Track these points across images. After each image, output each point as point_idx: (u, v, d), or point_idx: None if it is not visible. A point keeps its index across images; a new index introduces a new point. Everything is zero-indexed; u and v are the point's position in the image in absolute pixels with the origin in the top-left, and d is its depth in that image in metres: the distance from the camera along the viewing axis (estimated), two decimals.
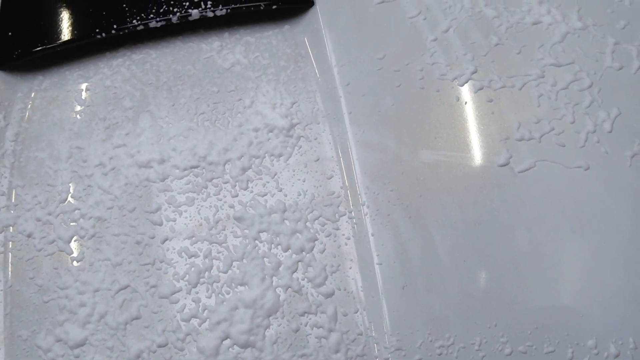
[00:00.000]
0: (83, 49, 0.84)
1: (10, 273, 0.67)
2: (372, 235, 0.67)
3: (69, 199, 0.71)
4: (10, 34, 0.83)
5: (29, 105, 0.80)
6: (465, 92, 0.77)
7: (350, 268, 0.66)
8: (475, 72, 0.77)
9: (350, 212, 0.69)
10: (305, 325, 0.63)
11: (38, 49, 0.81)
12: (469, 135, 0.74)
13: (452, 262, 0.66)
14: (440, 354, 0.61)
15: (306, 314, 0.64)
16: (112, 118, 0.77)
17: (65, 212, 0.70)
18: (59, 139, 0.76)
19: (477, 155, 0.72)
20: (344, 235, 0.68)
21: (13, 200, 0.71)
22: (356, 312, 0.64)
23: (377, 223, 0.68)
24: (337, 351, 0.62)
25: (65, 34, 0.81)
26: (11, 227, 0.69)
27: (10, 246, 0.68)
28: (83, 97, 0.80)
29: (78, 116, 0.78)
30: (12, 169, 0.73)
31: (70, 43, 0.81)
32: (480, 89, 0.76)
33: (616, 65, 0.79)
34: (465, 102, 0.75)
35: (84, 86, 0.82)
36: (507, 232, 0.67)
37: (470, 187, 0.70)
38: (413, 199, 0.69)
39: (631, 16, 0.83)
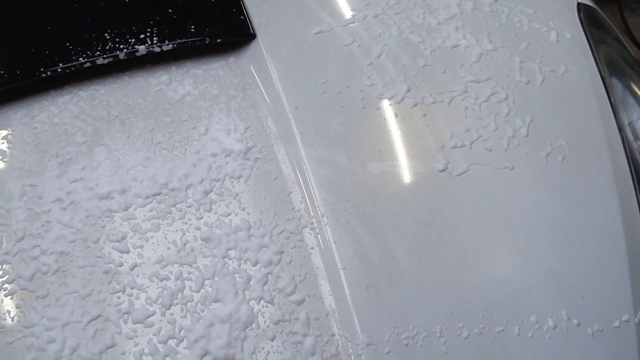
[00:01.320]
0: (26, 88, 0.84)
1: None
2: (334, 243, 0.72)
3: (26, 237, 0.70)
4: None
5: None
6: (402, 109, 0.85)
7: (317, 275, 0.70)
8: (409, 90, 0.86)
9: (312, 224, 0.74)
10: (281, 333, 0.66)
11: None
12: (409, 146, 0.82)
13: (407, 260, 0.72)
14: (407, 344, 0.67)
15: (280, 322, 0.67)
16: (65, 154, 0.77)
17: (24, 250, 0.69)
18: (9, 179, 0.75)
19: (419, 163, 0.80)
20: (307, 245, 0.72)
21: None
22: (327, 315, 0.68)
23: (337, 231, 0.73)
24: (313, 354, 0.66)
25: (7, 74, 0.81)
26: None
27: None
28: (30, 135, 0.80)
29: (28, 155, 0.78)
30: None
31: (13, 83, 0.81)
32: (415, 105, 0.85)
33: (524, 79, 0.91)
34: (403, 118, 0.84)
35: (30, 125, 0.81)
36: (451, 230, 0.75)
37: (415, 192, 0.78)
38: (367, 207, 0.75)
39: (530, 38, 0.97)
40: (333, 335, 0.68)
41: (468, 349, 0.68)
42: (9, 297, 0.66)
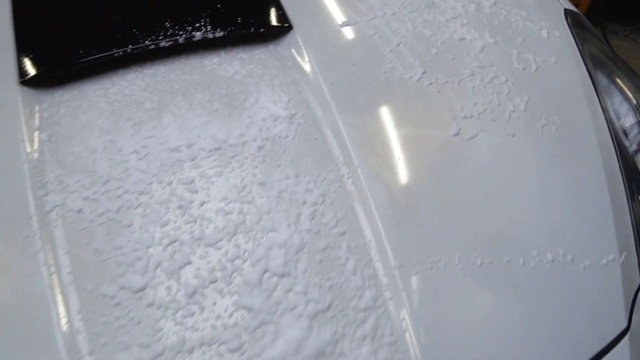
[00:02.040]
0: (97, 68, 0.99)
1: (66, 242, 0.77)
2: (368, 188, 0.86)
3: (110, 180, 0.83)
4: (31, 55, 0.96)
5: (56, 113, 0.92)
6: (419, 87, 1.01)
7: (355, 213, 0.84)
8: (424, 72, 1.02)
9: (348, 174, 0.88)
10: (327, 258, 0.80)
11: (63, 65, 0.95)
12: (427, 115, 0.97)
13: (429, 203, 0.86)
14: (431, 268, 0.80)
15: (326, 249, 0.80)
16: (137, 117, 0.92)
17: (109, 190, 0.82)
18: (91, 136, 0.89)
19: (435, 128, 0.95)
20: (346, 190, 0.86)
21: (58, 186, 0.82)
22: (364, 245, 0.82)
23: (370, 180, 0.87)
24: (354, 274, 0.79)
25: (86, 52, 0.96)
26: (60, 206, 0.80)
27: (62, 221, 0.79)
28: (106, 103, 0.94)
29: (105, 118, 0.92)
30: (51, 163, 0.85)
31: (92, 60, 0.96)
32: (430, 84, 1.01)
33: (521, 67, 1.07)
34: (421, 93, 0.99)
35: (104, 96, 0.95)
36: (464, 180, 0.90)
37: (433, 151, 0.92)
38: (393, 161, 0.90)
39: (525, 35, 1.14)
40: (370, 260, 0.81)
41: (481, 274, 0.82)
42: (100, 226, 0.79)
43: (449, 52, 1.08)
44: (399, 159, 0.90)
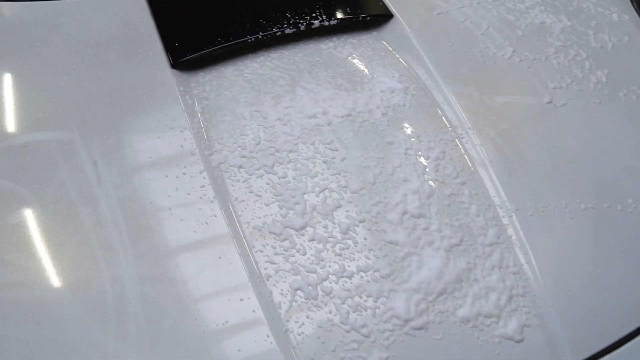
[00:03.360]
0: (231, 53, 1.15)
1: (230, 192, 0.92)
2: (481, 145, 1.00)
3: (262, 141, 0.98)
4: (175, 44, 1.12)
5: (203, 90, 1.08)
6: (511, 63, 1.14)
7: (472, 166, 0.98)
8: (514, 51, 1.16)
9: (462, 134, 1.02)
10: (454, 202, 0.93)
11: (206, 50, 1.11)
12: (521, 86, 1.11)
13: (535, 157, 1.00)
14: (543, 211, 0.93)
15: (451, 195, 0.94)
16: (275, 91, 1.07)
17: (262, 149, 0.97)
18: (238, 107, 1.04)
19: (530, 97, 1.09)
20: (461, 148, 1.00)
21: (219, 146, 0.97)
22: (483, 192, 0.95)
23: (481, 138, 1.01)
24: (477, 215, 0.92)
25: (223, 38, 1.12)
26: (224, 163, 0.95)
27: (226, 175, 0.94)
28: (244, 81, 1.09)
29: (247, 93, 1.07)
30: (207, 131, 1.00)
31: (228, 45, 1.11)
32: (520, 60, 1.14)
33: (598, 45, 1.21)
34: (513, 69, 1.13)
35: (241, 75, 1.11)
36: (563, 139, 1.03)
37: (531, 115, 1.06)
38: (499, 124, 1.04)
39: (597, 18, 1.27)
40: (490, 204, 0.94)
41: (586, 218, 0.95)
42: (259, 178, 0.94)
43: (533, 34, 1.22)
44: (503, 121, 1.03)
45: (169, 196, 0.89)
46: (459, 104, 1.05)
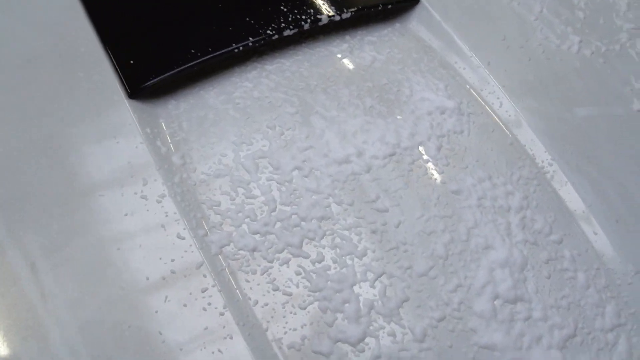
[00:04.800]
0: (210, 70, 0.82)
1: (246, 289, 0.63)
2: (572, 183, 0.74)
3: (279, 206, 0.69)
4: (132, 62, 0.78)
5: (179, 128, 0.76)
6: (582, 58, 0.88)
7: (565, 214, 0.72)
8: (581, 41, 0.89)
9: (543, 169, 0.75)
10: (554, 271, 0.68)
11: (177, 69, 0.78)
12: (601, 89, 0.85)
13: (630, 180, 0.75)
14: None
15: (549, 262, 0.68)
16: (283, 124, 0.76)
17: (282, 219, 0.68)
18: (234, 154, 0.73)
19: (618, 105, 0.83)
20: (547, 189, 0.74)
21: (216, 221, 0.67)
22: (587, 251, 0.70)
23: (570, 173, 0.75)
24: (588, 287, 0.68)
25: (201, 49, 0.79)
26: (228, 246, 0.65)
27: (236, 265, 0.64)
28: (237, 111, 0.78)
29: (242, 128, 0.76)
30: (195, 195, 0.69)
31: (208, 59, 0.79)
32: (592, 53, 0.88)
33: None
34: (586, 66, 0.87)
35: (231, 101, 0.79)
36: None
37: (623, 130, 0.81)
38: (588, 148, 0.78)
39: None
40: (599, 267, 0.70)
41: None
42: (285, 265, 0.65)
43: (596, 13, 0.95)
44: (593, 145, 0.78)
45: (156, 312, 0.59)
46: (532, 124, 0.78)
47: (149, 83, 0.76)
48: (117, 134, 0.70)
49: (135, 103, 0.75)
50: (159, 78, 0.77)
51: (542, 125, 0.79)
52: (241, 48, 0.81)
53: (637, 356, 0.65)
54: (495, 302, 0.64)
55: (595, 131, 0.79)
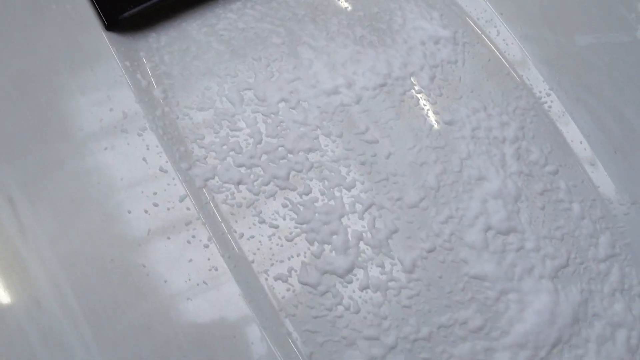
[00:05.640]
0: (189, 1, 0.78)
1: (231, 222, 0.61)
2: (570, 114, 0.71)
3: (265, 139, 0.66)
4: None
5: (161, 61, 0.73)
6: None
7: (562, 145, 0.70)
8: None
9: (540, 99, 0.72)
10: (548, 202, 0.66)
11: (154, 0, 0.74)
12: (605, 17, 0.80)
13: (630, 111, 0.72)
14: None
15: (544, 193, 0.66)
16: (269, 56, 0.73)
17: (268, 152, 0.65)
18: (218, 86, 0.70)
19: (622, 32, 0.79)
20: (543, 119, 0.71)
21: (200, 154, 0.65)
22: (582, 182, 0.68)
23: (569, 104, 0.72)
24: (582, 218, 0.66)
25: None
26: (212, 180, 0.63)
27: (220, 198, 0.62)
28: (220, 43, 0.74)
29: (227, 62, 0.73)
30: (178, 129, 0.67)
31: None
32: None
33: None
34: None
35: (214, 33, 0.75)
36: None
37: (628, 59, 0.77)
38: (589, 78, 0.75)
39: None
40: (595, 199, 0.68)
41: None
42: (271, 197, 0.63)
43: None
44: (594, 73, 0.74)
45: (139, 245, 0.58)
46: (530, 54, 0.75)
47: (126, 14, 0.72)
48: (94, 66, 0.67)
49: (113, 35, 0.71)
50: (137, 8, 0.73)
51: (541, 54, 0.75)
52: None
53: (628, 284, 0.64)
54: (487, 234, 0.63)
55: (596, 60, 0.76)
